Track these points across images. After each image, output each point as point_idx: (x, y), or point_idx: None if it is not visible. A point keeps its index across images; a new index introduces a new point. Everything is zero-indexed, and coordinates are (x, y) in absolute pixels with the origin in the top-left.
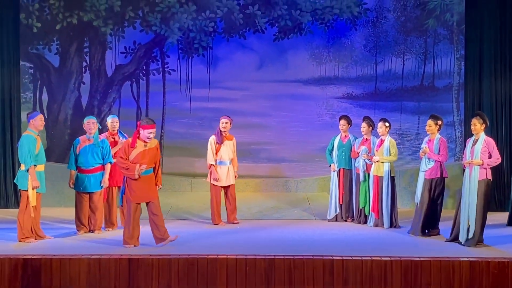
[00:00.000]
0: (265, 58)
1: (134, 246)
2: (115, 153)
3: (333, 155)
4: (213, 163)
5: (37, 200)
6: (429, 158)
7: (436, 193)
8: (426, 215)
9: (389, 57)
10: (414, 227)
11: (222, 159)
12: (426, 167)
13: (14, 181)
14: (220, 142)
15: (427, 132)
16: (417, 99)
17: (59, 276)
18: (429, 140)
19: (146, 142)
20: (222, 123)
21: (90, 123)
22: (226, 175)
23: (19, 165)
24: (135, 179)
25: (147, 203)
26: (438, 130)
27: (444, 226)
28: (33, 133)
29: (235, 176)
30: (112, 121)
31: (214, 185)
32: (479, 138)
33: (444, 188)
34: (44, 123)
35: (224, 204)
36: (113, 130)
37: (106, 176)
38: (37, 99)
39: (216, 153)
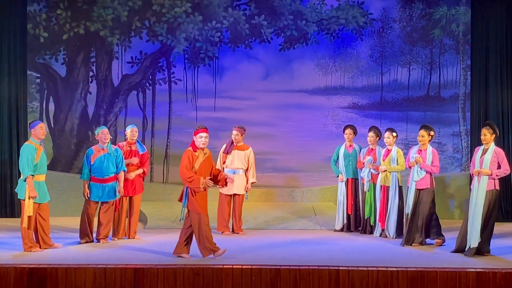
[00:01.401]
0: (271, 68)
1: (220, 251)
2: (139, 161)
3: (339, 165)
4: None
5: (44, 210)
6: (421, 168)
7: (428, 203)
8: (425, 223)
9: (395, 67)
10: (405, 236)
11: (229, 168)
12: (419, 177)
13: (15, 190)
14: (226, 151)
15: (419, 142)
16: (423, 109)
17: (65, 285)
18: (420, 150)
19: (201, 148)
20: (233, 134)
21: (105, 133)
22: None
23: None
24: (199, 192)
25: None
26: (429, 141)
27: (450, 235)
28: (34, 142)
29: (246, 188)
30: (131, 130)
31: (220, 192)
32: (489, 148)
33: (435, 197)
34: (45, 132)
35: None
36: (132, 140)
37: (121, 184)
38: (43, 108)
39: (224, 162)
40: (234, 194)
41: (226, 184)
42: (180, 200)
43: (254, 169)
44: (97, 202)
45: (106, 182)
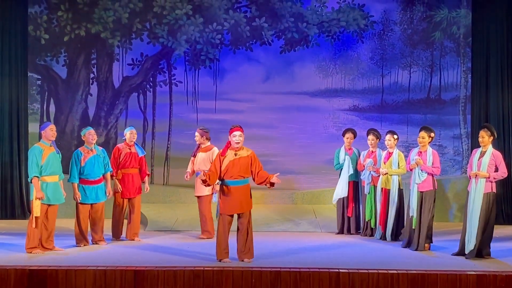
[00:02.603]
0: (271, 70)
1: (226, 260)
2: (139, 164)
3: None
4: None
5: (51, 212)
6: (422, 170)
7: (430, 205)
8: (425, 228)
9: (395, 70)
10: (413, 241)
11: (196, 170)
12: (420, 180)
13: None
14: (193, 155)
15: (419, 144)
16: (424, 111)
17: (65, 287)
18: (420, 152)
19: (236, 149)
20: (196, 135)
21: (92, 134)
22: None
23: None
24: (226, 191)
25: (238, 215)
26: (429, 143)
27: (449, 238)
28: (43, 144)
29: (213, 189)
30: (131, 132)
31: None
32: (486, 151)
33: (435, 199)
34: (55, 133)
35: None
36: (131, 142)
37: (109, 186)
38: (44, 110)
39: (194, 164)
40: (198, 196)
41: (272, 185)
42: None
43: None
44: (89, 205)
45: (97, 183)
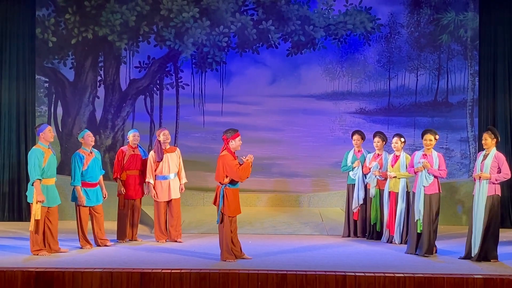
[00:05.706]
0: (278, 73)
1: (235, 260)
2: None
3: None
4: (150, 181)
5: (53, 214)
6: (429, 173)
7: (436, 208)
8: (433, 231)
9: (402, 73)
10: (423, 245)
11: (162, 174)
12: (427, 183)
13: (26, 193)
14: (159, 159)
15: (427, 147)
16: (431, 114)
17: None
18: (425, 155)
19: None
20: (163, 136)
21: (91, 136)
22: (167, 189)
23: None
24: (234, 193)
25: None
26: (433, 145)
27: (456, 242)
28: (42, 146)
29: (181, 189)
30: (134, 135)
31: (155, 200)
32: (489, 153)
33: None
34: (53, 134)
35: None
36: (134, 144)
37: (104, 188)
38: (51, 112)
39: (155, 170)
40: (171, 200)
41: None
42: (215, 203)
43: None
44: (88, 207)
45: (96, 186)
